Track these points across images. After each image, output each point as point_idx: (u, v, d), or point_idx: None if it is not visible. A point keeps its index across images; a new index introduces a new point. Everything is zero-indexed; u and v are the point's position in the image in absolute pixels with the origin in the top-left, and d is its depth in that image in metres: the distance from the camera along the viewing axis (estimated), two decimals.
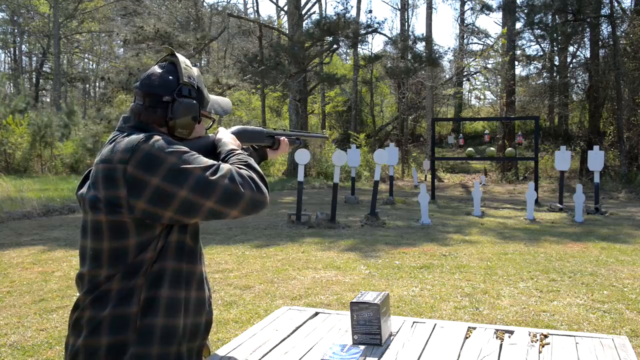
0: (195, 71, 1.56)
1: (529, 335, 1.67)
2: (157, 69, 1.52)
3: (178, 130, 1.50)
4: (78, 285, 1.46)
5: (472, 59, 26.07)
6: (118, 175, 1.34)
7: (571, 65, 22.62)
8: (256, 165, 1.47)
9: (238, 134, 1.72)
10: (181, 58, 1.54)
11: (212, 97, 1.64)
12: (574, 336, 1.65)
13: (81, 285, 1.44)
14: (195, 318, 1.48)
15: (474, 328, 1.74)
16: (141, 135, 1.38)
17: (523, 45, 23.49)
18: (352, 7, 37.49)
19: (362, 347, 1.54)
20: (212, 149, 1.59)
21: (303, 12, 19.93)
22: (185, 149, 1.39)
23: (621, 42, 18.76)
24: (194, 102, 1.51)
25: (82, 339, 1.38)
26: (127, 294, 1.36)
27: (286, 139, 1.91)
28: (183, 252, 1.45)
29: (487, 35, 29.04)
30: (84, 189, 1.44)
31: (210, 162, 1.39)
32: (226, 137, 1.62)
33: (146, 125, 1.48)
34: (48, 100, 32.19)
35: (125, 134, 1.43)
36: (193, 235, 1.49)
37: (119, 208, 1.34)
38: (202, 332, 1.51)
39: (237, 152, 1.52)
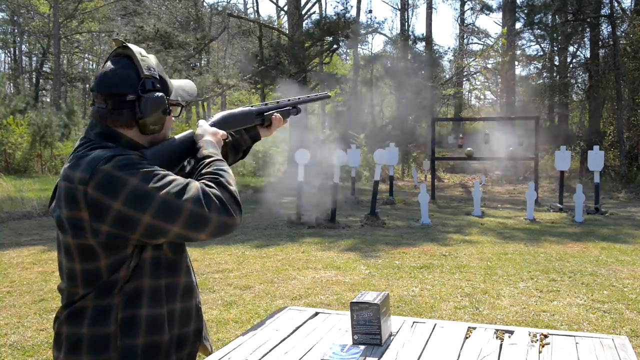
0: (153, 60, 1.45)
1: (529, 335, 1.67)
2: (111, 66, 1.39)
3: (150, 127, 1.40)
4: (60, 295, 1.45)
5: (472, 59, 26.08)
6: (79, 197, 1.27)
7: (571, 65, 22.63)
8: (228, 182, 1.34)
9: (222, 123, 1.59)
10: (135, 48, 1.42)
11: (175, 83, 1.53)
12: (574, 336, 1.65)
13: (62, 297, 1.41)
14: (181, 329, 1.44)
15: (474, 328, 1.73)
16: (104, 153, 1.29)
17: (523, 45, 23.55)
18: (352, 7, 37.44)
19: (362, 347, 1.54)
20: (191, 147, 1.49)
21: (303, 12, 19.92)
22: (150, 168, 1.30)
23: (621, 42, 18.76)
24: (161, 94, 1.40)
25: (62, 354, 1.36)
26: (103, 312, 1.33)
27: (277, 115, 1.74)
28: (160, 267, 1.38)
29: (487, 35, 29.05)
30: (53, 204, 1.39)
31: (177, 182, 1.28)
32: (206, 133, 1.50)
33: (114, 131, 1.39)
34: (48, 100, 32.18)
35: (91, 146, 1.35)
36: (173, 247, 1.42)
37: (82, 231, 1.29)
38: (191, 341, 1.48)
39: (211, 160, 1.40)
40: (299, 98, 1.85)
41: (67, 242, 1.34)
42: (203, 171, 1.37)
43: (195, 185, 1.29)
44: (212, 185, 1.31)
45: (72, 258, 1.34)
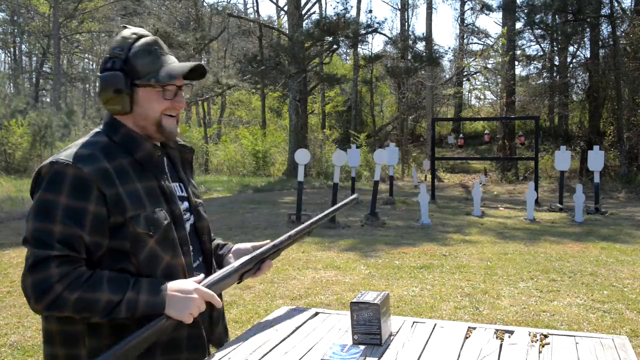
0: (125, 41, 1.37)
1: (529, 335, 1.66)
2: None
3: (107, 107, 1.37)
4: None
5: (472, 59, 26.07)
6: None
7: (571, 65, 22.62)
8: (73, 285, 1.23)
9: (218, 285, 1.47)
10: (123, 33, 1.38)
11: (168, 66, 1.39)
12: (574, 336, 1.65)
13: None
14: (191, 329, 1.46)
15: (474, 328, 1.73)
16: (58, 155, 1.32)
17: (523, 45, 23.49)
18: (352, 7, 37.45)
19: (362, 347, 1.54)
20: None
21: (303, 12, 19.94)
22: (55, 197, 1.26)
23: (621, 42, 18.75)
24: (115, 72, 1.33)
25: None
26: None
27: (269, 261, 1.60)
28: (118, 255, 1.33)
29: (487, 35, 29.01)
30: None
31: (58, 230, 1.24)
32: (171, 290, 1.34)
33: (113, 120, 1.41)
34: (48, 100, 32.17)
35: (91, 134, 1.41)
36: (143, 260, 1.34)
37: None
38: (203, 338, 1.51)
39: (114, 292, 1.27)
40: (281, 241, 1.62)
41: None
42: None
43: (58, 252, 1.23)
44: (69, 270, 1.24)
45: None
